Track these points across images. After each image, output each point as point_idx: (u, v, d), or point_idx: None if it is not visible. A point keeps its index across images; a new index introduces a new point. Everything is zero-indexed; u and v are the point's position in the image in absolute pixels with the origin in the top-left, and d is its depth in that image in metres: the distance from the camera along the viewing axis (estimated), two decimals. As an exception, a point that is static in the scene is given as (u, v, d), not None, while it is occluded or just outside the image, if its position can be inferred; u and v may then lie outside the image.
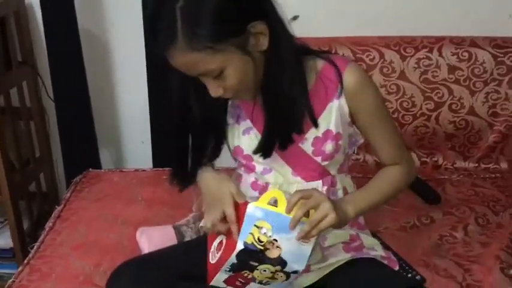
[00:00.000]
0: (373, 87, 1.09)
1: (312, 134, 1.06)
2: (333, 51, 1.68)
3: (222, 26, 0.90)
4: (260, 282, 0.96)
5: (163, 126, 1.87)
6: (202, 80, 0.97)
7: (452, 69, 1.69)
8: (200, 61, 0.91)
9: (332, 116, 1.05)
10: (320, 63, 1.05)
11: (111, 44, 1.93)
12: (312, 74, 1.04)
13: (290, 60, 0.99)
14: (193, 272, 1.06)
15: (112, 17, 1.89)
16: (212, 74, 0.94)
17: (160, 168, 1.80)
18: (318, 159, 1.08)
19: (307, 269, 1.10)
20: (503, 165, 1.74)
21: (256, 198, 0.96)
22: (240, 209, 0.95)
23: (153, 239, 1.28)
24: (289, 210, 0.93)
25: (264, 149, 1.05)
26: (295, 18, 1.55)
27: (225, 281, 0.97)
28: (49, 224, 1.51)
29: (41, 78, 1.91)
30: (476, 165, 1.75)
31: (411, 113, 1.72)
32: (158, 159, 1.90)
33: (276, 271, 0.94)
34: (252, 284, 0.97)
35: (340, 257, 1.10)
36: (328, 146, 1.06)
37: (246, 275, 0.95)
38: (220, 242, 0.98)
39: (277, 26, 0.96)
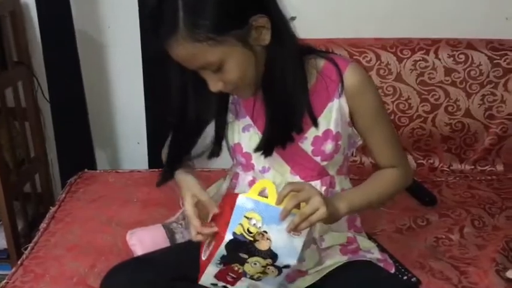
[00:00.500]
0: (373, 88, 1.08)
1: (311, 133, 1.06)
2: (330, 53, 1.68)
3: (224, 18, 0.89)
4: (252, 278, 0.95)
5: (159, 128, 1.87)
6: (201, 74, 0.96)
7: (448, 71, 1.69)
8: (201, 53, 0.90)
9: (332, 115, 1.05)
10: (321, 63, 1.05)
11: (107, 45, 1.93)
12: (313, 73, 1.04)
13: (292, 56, 0.99)
14: (188, 273, 1.05)
15: (108, 18, 1.89)
16: (212, 67, 0.93)
17: (156, 169, 1.79)
18: (317, 159, 1.07)
19: (305, 272, 1.10)
20: (499, 167, 1.74)
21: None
22: (229, 199, 0.94)
23: (143, 239, 1.28)
24: (279, 202, 0.92)
25: (265, 147, 1.04)
26: (292, 19, 1.55)
27: (216, 276, 0.96)
28: (43, 224, 1.50)
29: (37, 79, 1.90)
30: (473, 167, 1.75)
31: (407, 115, 1.72)
32: (154, 161, 1.89)
33: (267, 265, 0.93)
34: (243, 279, 0.96)
35: (337, 260, 1.10)
36: (328, 146, 1.06)
37: (236, 268, 0.94)
38: (211, 239, 0.97)
39: (279, 22, 0.96)
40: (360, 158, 1.76)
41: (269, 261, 0.92)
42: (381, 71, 1.71)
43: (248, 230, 0.90)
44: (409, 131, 1.74)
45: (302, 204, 0.93)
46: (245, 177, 1.14)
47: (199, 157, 1.13)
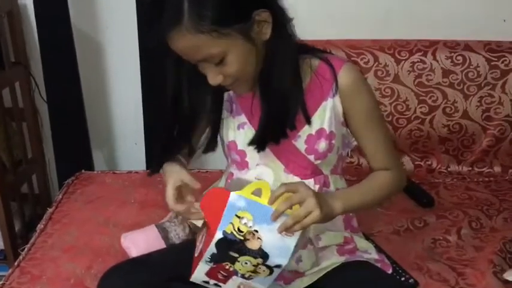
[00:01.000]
0: (367, 89, 1.09)
1: (305, 131, 1.06)
2: (328, 54, 1.68)
3: (229, 10, 0.90)
4: (243, 277, 0.95)
5: (156, 129, 1.86)
6: (201, 67, 0.96)
7: (446, 72, 1.69)
8: (204, 44, 0.90)
9: (326, 114, 1.05)
10: (316, 62, 1.06)
11: (104, 45, 1.93)
12: (308, 72, 1.05)
13: (290, 52, 1.00)
14: (184, 273, 1.04)
15: (106, 18, 1.89)
16: (214, 59, 0.93)
17: (154, 170, 1.79)
18: (311, 157, 1.07)
19: (302, 273, 1.09)
20: (497, 169, 1.74)
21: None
22: (221, 197, 0.93)
23: (137, 241, 1.27)
24: (271, 202, 0.91)
25: (259, 142, 1.05)
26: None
27: (207, 274, 0.95)
28: (40, 226, 1.49)
29: (34, 79, 1.89)
30: (470, 169, 1.75)
31: (405, 116, 1.72)
32: (151, 162, 1.88)
33: (258, 264, 0.92)
34: (234, 277, 0.95)
35: (334, 260, 1.10)
36: (322, 145, 1.06)
37: (227, 267, 0.94)
38: (203, 236, 0.97)
39: (280, 17, 0.97)
40: (358, 159, 1.76)
41: (260, 260, 0.92)
42: (379, 73, 1.71)
43: (239, 229, 0.90)
44: (407, 132, 1.74)
45: (295, 206, 0.92)
46: (239, 176, 1.13)
47: (195, 151, 1.14)
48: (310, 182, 1.08)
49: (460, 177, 1.72)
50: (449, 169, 1.76)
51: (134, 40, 1.76)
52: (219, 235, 0.90)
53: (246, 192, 0.92)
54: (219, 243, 0.90)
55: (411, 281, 1.23)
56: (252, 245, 0.91)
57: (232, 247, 0.91)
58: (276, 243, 0.91)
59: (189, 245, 1.21)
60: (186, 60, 0.96)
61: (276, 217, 0.91)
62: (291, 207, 0.92)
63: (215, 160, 1.14)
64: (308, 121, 1.05)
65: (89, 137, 1.93)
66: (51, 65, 1.81)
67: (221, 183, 1.20)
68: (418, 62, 1.70)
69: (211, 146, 1.11)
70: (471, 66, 1.68)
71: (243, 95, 1.07)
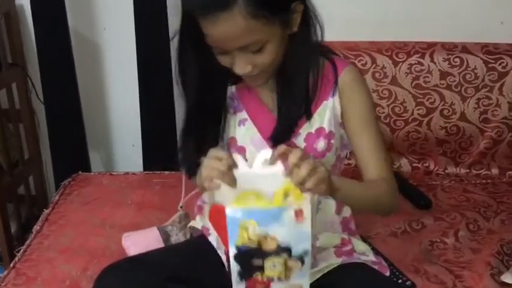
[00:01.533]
0: (366, 90, 1.09)
1: (305, 129, 1.07)
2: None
3: None
4: (280, 280, 0.92)
5: (154, 130, 1.86)
6: (235, 54, 0.95)
7: (444, 75, 1.69)
8: (252, 30, 0.90)
9: (326, 114, 1.06)
10: (323, 62, 1.07)
11: (102, 47, 1.92)
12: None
13: (313, 48, 1.02)
14: (181, 274, 1.05)
15: (103, 20, 1.88)
16: (254, 47, 0.93)
17: (151, 172, 1.79)
18: None
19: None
20: (494, 171, 1.74)
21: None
22: (221, 213, 0.91)
23: (139, 243, 1.27)
24: (275, 158, 0.86)
25: (280, 134, 1.05)
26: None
27: None
28: (36, 227, 1.49)
29: (31, 80, 1.89)
30: (468, 171, 1.75)
31: (403, 118, 1.72)
32: (148, 163, 1.88)
33: (286, 260, 0.91)
34: (273, 285, 0.93)
35: (331, 262, 1.09)
36: (320, 144, 1.06)
37: (260, 278, 0.92)
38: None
39: (310, 13, 0.99)
40: (355, 161, 1.76)
41: (285, 256, 0.90)
42: (376, 75, 1.71)
43: (249, 238, 0.88)
44: (405, 134, 1.73)
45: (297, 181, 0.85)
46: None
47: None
48: None
49: (458, 179, 1.72)
50: (446, 171, 1.76)
51: (132, 41, 1.76)
52: (233, 251, 0.89)
53: (239, 202, 0.90)
54: (237, 259, 0.89)
55: (408, 283, 1.23)
56: (269, 245, 0.89)
57: (252, 256, 0.90)
58: (292, 233, 0.89)
59: (188, 245, 1.21)
60: (204, 51, 0.96)
61: (275, 159, 0.84)
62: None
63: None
64: (309, 116, 1.05)
65: (86, 138, 1.92)
66: (48, 66, 1.81)
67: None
68: (415, 63, 1.70)
69: (215, 142, 1.11)
70: (469, 68, 1.68)
71: (248, 90, 1.08)
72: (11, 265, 1.34)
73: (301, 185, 0.84)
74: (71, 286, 1.25)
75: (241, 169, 0.89)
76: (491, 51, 1.68)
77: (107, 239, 1.40)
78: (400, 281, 1.23)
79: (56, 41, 1.78)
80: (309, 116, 1.05)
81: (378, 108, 1.69)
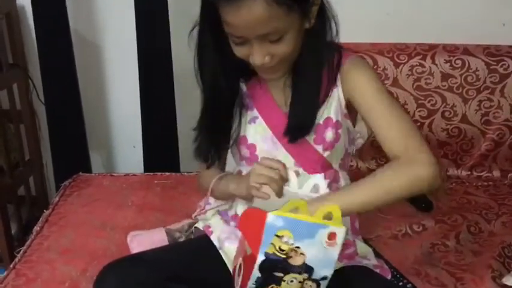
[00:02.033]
0: (369, 71, 1.06)
1: None
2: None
3: None
4: None
5: (154, 131, 1.86)
6: (253, 44, 0.95)
7: (445, 76, 1.69)
8: (275, 17, 0.90)
9: (332, 104, 1.07)
10: (336, 57, 1.07)
11: (103, 47, 1.92)
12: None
13: (329, 42, 1.03)
14: (181, 273, 1.04)
15: (104, 21, 1.88)
16: (275, 35, 0.93)
17: (152, 173, 1.78)
18: (319, 148, 1.08)
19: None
20: (496, 173, 1.74)
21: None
22: (258, 218, 0.91)
23: (144, 243, 1.26)
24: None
25: (294, 131, 1.05)
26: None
27: None
28: (36, 228, 1.48)
29: (32, 81, 1.89)
30: (469, 173, 1.75)
31: (404, 120, 1.72)
32: (149, 164, 1.88)
33: (304, 280, 0.91)
34: None
35: (333, 264, 1.09)
36: (329, 134, 1.07)
37: None
38: (240, 265, 0.95)
39: (326, 7, 1.01)
40: (356, 162, 1.76)
41: (305, 275, 0.90)
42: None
43: (280, 248, 0.88)
44: (406, 136, 1.73)
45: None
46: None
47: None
48: (320, 176, 1.08)
49: (459, 182, 1.72)
50: (448, 173, 1.75)
51: (133, 42, 1.76)
52: (261, 257, 0.88)
53: (283, 211, 0.90)
54: (262, 266, 0.89)
55: (409, 286, 1.22)
56: (296, 261, 0.89)
57: (276, 267, 0.90)
58: (320, 255, 0.89)
59: (189, 244, 1.20)
60: (222, 43, 0.97)
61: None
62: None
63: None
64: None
65: (87, 139, 1.92)
66: (49, 66, 1.80)
67: None
68: (417, 65, 1.69)
69: (226, 141, 1.13)
70: (470, 70, 1.68)
71: (260, 87, 1.09)
72: (11, 266, 1.33)
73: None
74: (71, 287, 1.24)
75: (291, 188, 0.93)
76: (492, 53, 1.68)
77: (107, 240, 1.40)
78: (400, 283, 1.22)
79: (57, 41, 1.77)
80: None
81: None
